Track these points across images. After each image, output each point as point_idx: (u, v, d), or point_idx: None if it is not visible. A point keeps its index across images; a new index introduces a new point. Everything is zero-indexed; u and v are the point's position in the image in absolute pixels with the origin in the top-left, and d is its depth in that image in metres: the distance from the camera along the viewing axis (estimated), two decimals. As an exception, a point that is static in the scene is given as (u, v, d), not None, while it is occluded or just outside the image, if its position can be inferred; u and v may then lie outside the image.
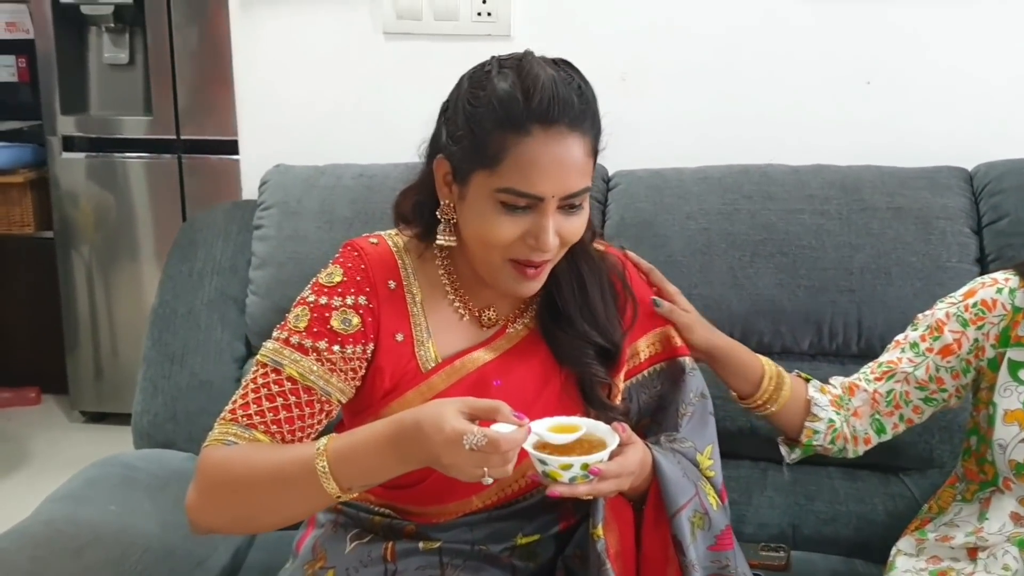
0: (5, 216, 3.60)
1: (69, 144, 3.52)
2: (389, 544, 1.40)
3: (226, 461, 1.26)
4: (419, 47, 2.14)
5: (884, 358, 1.60)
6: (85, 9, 3.35)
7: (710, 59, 2.10)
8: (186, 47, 3.37)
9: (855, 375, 1.61)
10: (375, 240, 1.42)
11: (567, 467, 1.20)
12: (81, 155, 3.52)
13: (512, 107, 1.25)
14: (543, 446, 1.22)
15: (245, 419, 1.29)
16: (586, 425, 1.26)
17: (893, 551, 1.62)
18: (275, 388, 1.30)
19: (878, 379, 1.58)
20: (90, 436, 3.65)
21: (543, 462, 1.21)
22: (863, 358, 1.85)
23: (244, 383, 1.34)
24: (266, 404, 1.29)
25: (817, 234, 1.87)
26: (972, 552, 1.54)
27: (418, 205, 1.39)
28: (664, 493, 1.34)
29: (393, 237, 1.44)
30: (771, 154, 2.01)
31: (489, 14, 2.13)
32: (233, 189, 3.37)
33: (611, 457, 1.25)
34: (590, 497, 1.27)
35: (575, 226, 1.31)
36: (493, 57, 1.33)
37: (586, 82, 1.31)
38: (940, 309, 1.57)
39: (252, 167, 2.20)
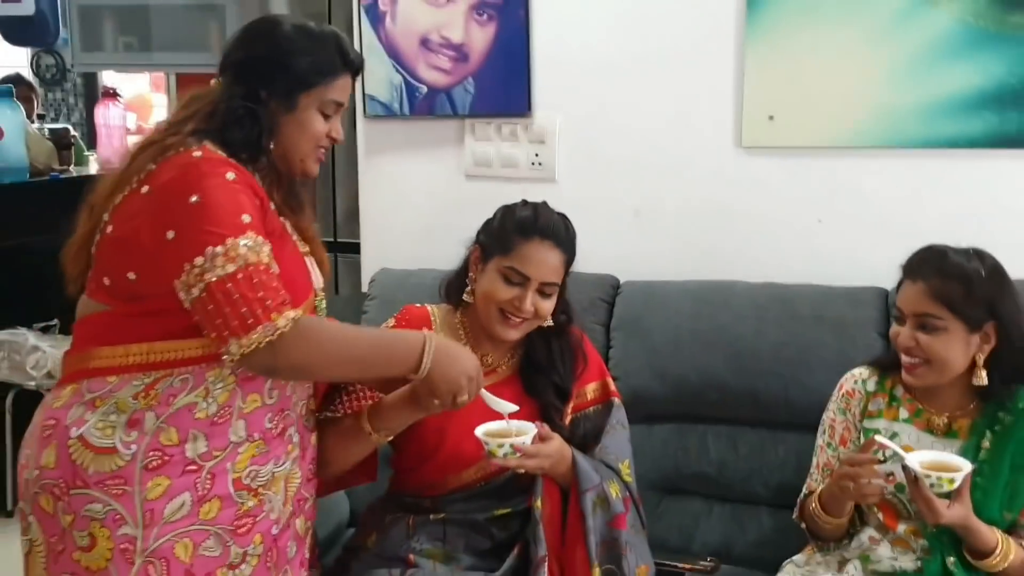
0: None
1: None
2: (410, 517, 2.13)
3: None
4: (490, 185, 2.92)
5: (820, 460, 2.17)
6: None
7: (700, 199, 2.77)
8: (344, 167, 4.23)
9: (808, 482, 2.17)
10: (419, 306, 2.24)
11: (500, 446, 1.90)
12: None
13: (527, 222, 2.11)
14: (489, 434, 1.93)
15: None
16: (520, 424, 1.97)
17: (786, 562, 2.20)
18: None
19: (825, 479, 2.12)
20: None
21: (487, 442, 1.91)
22: (788, 426, 2.48)
23: None
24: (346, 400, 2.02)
25: (757, 333, 2.50)
26: (840, 565, 2.14)
27: (449, 284, 2.23)
28: (577, 478, 2.03)
29: (432, 306, 2.24)
30: (743, 271, 2.66)
31: (540, 163, 2.90)
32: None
33: (534, 443, 1.95)
34: (521, 470, 1.97)
35: (546, 306, 2.10)
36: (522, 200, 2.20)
37: (572, 229, 2.17)
38: (829, 410, 2.18)
39: (369, 268, 3.03)
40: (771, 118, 2.69)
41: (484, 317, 2.12)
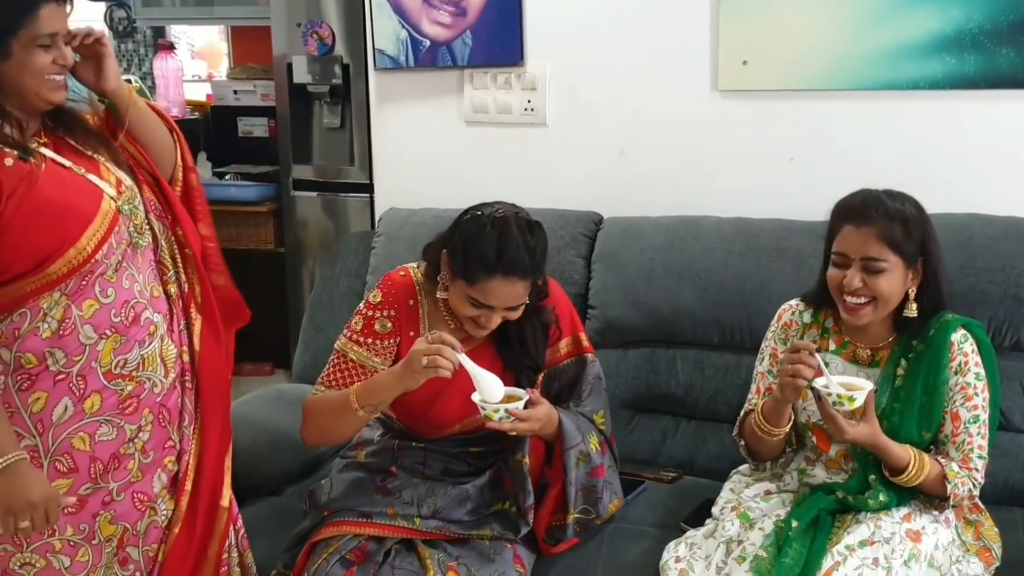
0: (254, 236, 4.86)
1: (298, 185, 4.67)
2: (396, 441, 2.36)
3: (312, 406, 2.23)
4: (487, 130, 3.15)
5: (760, 386, 2.31)
6: (311, 88, 4.51)
7: (679, 141, 2.97)
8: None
9: (747, 406, 2.32)
10: (403, 273, 2.30)
11: (496, 411, 2.03)
12: (306, 193, 4.67)
13: (488, 258, 2.06)
14: (485, 401, 2.05)
15: (327, 385, 2.23)
16: (512, 390, 2.10)
17: (733, 472, 2.42)
18: (343, 367, 2.23)
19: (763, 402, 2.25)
20: (303, 401, 4.84)
21: (483, 408, 2.05)
22: (753, 350, 2.62)
23: (330, 361, 2.26)
24: (338, 376, 2.23)
25: (723, 265, 2.69)
26: (777, 476, 2.35)
27: (432, 256, 2.24)
28: (562, 436, 2.21)
29: (415, 270, 2.30)
30: (719, 208, 2.84)
31: (532, 109, 3.12)
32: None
33: (526, 408, 2.08)
34: (514, 433, 2.10)
35: (514, 314, 2.15)
36: (489, 212, 2.13)
37: (541, 242, 2.13)
38: (768, 338, 2.34)
39: (381, 207, 3.29)
40: (745, 63, 2.86)
41: (457, 316, 2.21)
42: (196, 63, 6.69)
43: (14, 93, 1.88)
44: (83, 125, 2.04)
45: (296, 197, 4.72)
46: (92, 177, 1.97)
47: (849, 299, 2.12)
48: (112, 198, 1.97)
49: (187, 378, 2.13)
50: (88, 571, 2.02)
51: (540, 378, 2.32)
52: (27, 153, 1.89)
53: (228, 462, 2.22)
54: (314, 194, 4.69)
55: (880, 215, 2.09)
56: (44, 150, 1.94)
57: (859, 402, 2.02)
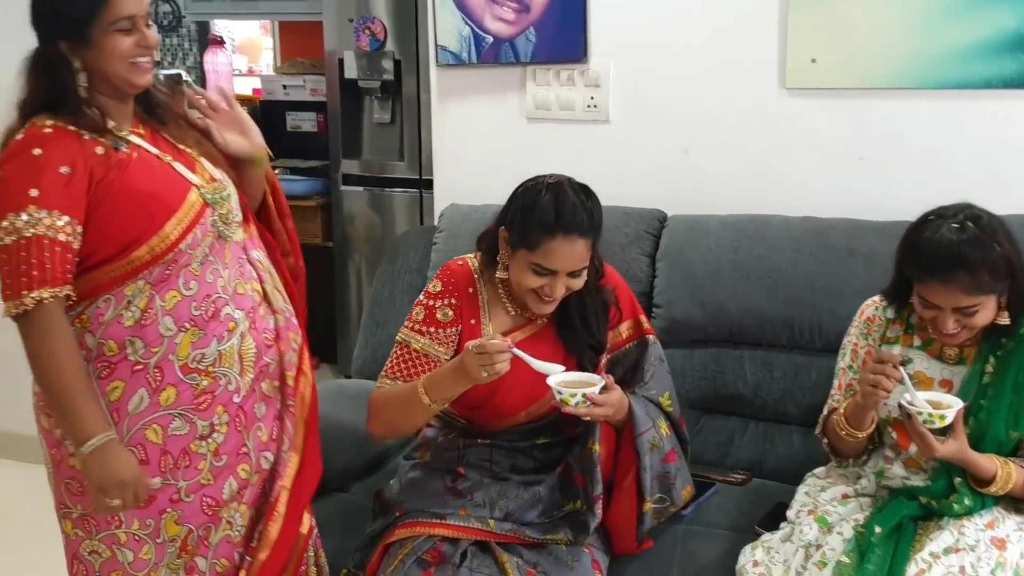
0: (302, 230, 4.73)
1: (348, 180, 4.69)
2: (461, 440, 2.35)
3: (379, 399, 2.23)
4: (549, 127, 3.13)
5: (842, 381, 2.29)
6: (361, 83, 4.52)
7: (745, 138, 2.93)
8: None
9: (829, 402, 2.31)
10: (461, 263, 2.33)
11: (573, 395, 2.03)
12: (354, 188, 4.69)
13: (547, 220, 2.10)
14: (561, 384, 2.05)
15: (392, 376, 2.24)
16: (587, 376, 2.11)
17: (807, 475, 2.39)
18: (407, 357, 2.24)
19: (845, 398, 2.25)
20: (350, 395, 4.83)
21: (559, 392, 2.03)
22: (823, 351, 2.62)
23: (392, 353, 2.26)
24: (402, 367, 2.23)
25: (793, 264, 2.66)
26: (856, 479, 2.32)
27: (488, 241, 2.28)
28: (633, 423, 2.20)
29: (472, 260, 2.33)
30: (785, 207, 2.81)
31: (596, 106, 3.09)
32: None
33: (601, 393, 2.07)
34: (588, 418, 2.09)
35: (577, 282, 2.17)
36: (542, 180, 2.19)
37: (597, 204, 2.17)
38: (850, 334, 2.30)
39: (441, 203, 3.28)
40: (813, 61, 2.82)
41: (519, 295, 2.22)
42: (237, 58, 6.72)
43: (103, 81, 1.92)
44: (177, 119, 2.07)
45: (344, 192, 4.73)
46: (183, 169, 2.02)
47: (945, 335, 2.09)
48: (201, 190, 2.01)
49: (291, 402, 2.17)
50: (150, 570, 2.03)
51: (603, 361, 2.31)
52: (119, 143, 1.94)
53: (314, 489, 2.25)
54: (361, 189, 4.71)
55: (965, 270, 1.99)
56: (138, 140, 1.99)
57: (949, 420, 1.98)
